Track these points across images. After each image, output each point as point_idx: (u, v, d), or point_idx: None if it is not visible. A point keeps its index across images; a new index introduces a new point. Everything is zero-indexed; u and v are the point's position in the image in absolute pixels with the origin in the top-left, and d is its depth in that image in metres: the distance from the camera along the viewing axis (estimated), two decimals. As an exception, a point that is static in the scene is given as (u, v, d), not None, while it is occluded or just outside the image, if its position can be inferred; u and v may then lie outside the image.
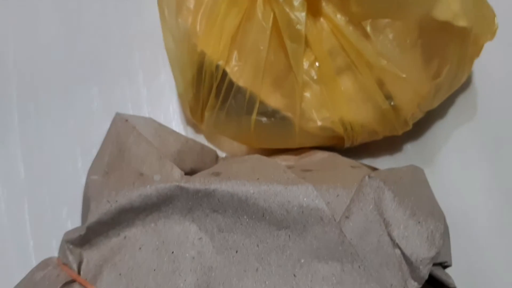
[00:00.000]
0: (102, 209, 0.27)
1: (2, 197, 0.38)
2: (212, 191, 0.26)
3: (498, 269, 0.35)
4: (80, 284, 0.26)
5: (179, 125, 0.40)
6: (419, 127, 0.39)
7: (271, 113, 0.34)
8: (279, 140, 0.36)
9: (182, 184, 0.27)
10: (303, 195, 0.26)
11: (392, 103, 0.34)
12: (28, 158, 0.39)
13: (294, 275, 0.25)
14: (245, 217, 0.26)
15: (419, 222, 0.25)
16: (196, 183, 0.27)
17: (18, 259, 0.37)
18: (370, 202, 0.26)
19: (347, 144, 0.36)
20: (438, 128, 0.40)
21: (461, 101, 0.40)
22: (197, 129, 0.40)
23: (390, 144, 0.39)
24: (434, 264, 0.26)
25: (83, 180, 0.38)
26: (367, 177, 0.26)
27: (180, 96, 0.38)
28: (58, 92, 0.40)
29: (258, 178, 0.27)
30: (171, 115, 0.40)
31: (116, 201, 0.27)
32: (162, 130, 0.35)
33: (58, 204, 0.37)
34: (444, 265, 0.27)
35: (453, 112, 0.40)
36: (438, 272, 0.26)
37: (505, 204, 0.37)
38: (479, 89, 0.41)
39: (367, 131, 0.35)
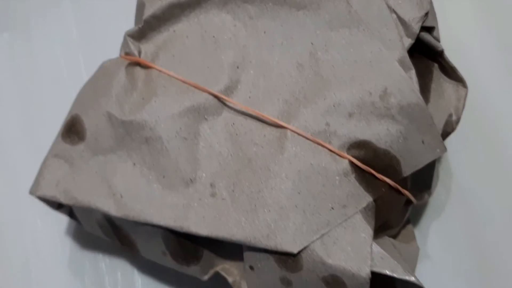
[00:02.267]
0: (155, 4, 0.33)
1: (61, 56, 0.45)
2: (242, -17, 0.33)
3: (493, 93, 0.41)
4: (142, 64, 0.33)
5: None
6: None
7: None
8: None
9: (218, -20, 0.33)
10: (317, -18, 0.32)
11: None
12: (79, 23, 0.45)
13: (312, 43, 0.32)
14: (270, 4, 0.33)
15: (409, -6, 0.32)
16: (229, -21, 0.33)
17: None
18: (369, -19, 0.32)
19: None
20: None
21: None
22: None
23: None
24: (424, 30, 0.32)
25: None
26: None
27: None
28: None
29: None
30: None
31: (166, -3, 0.33)
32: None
33: (109, 57, 0.44)
34: (434, 36, 0.33)
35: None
36: (427, 37, 0.32)
37: (497, 41, 0.43)
38: None
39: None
